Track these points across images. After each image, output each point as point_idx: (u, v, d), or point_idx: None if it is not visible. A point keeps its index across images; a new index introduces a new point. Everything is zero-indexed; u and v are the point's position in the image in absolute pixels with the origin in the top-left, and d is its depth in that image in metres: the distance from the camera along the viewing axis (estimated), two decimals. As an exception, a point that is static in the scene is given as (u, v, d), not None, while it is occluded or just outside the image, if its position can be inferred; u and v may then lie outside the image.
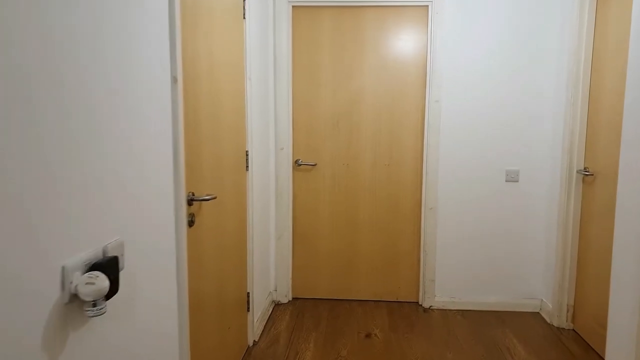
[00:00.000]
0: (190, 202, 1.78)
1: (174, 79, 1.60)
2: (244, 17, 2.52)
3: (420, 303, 3.37)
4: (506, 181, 3.16)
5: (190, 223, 1.80)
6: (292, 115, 3.32)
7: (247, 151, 2.63)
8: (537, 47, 3.06)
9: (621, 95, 2.46)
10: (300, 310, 3.27)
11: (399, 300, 3.41)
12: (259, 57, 2.92)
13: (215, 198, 1.92)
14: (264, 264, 3.20)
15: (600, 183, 2.67)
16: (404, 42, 3.17)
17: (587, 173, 2.78)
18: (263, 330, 2.97)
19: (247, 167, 2.64)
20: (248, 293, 2.68)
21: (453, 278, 3.29)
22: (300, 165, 3.36)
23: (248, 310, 2.69)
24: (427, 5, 3.13)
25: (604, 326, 2.62)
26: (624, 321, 1.80)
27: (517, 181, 3.15)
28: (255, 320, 2.85)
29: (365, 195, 3.33)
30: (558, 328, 3.01)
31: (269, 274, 3.37)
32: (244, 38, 2.53)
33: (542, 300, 3.23)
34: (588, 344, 2.79)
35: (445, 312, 3.25)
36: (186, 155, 1.74)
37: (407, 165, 3.27)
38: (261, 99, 2.99)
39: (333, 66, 3.24)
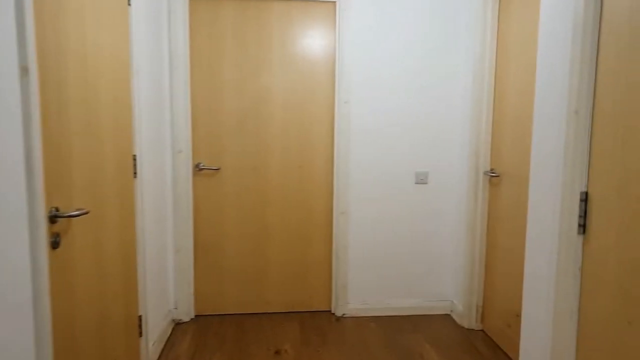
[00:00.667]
0: (53, 219, 1.46)
1: (24, 69, 1.28)
2: (129, 4, 2.20)
3: (332, 312, 3.22)
4: (416, 183, 3.11)
5: (55, 245, 1.47)
6: (192, 115, 3.02)
7: (134, 155, 2.31)
8: (447, 49, 3.04)
9: (523, 98, 2.48)
10: (204, 329, 2.98)
11: (311, 310, 3.24)
12: (151, 50, 2.59)
13: (87, 213, 1.60)
14: (161, 281, 2.87)
15: (506, 183, 2.68)
16: (312, 39, 3.01)
17: (493, 174, 2.79)
18: (160, 355, 2.64)
19: (135, 173, 2.32)
20: (140, 316, 2.35)
21: (365, 283, 3.18)
22: (202, 169, 3.07)
23: (140, 334, 2.37)
24: (335, 2, 2.99)
25: (510, 326, 2.63)
26: (539, 317, 1.76)
27: (426, 183, 3.12)
28: (151, 344, 2.53)
29: (275, 201, 3.12)
30: (468, 329, 3.01)
31: (167, 292, 3.04)
32: (129, 27, 2.21)
33: (452, 301, 3.22)
34: (496, 344, 2.80)
35: (358, 320, 3.14)
36: (46, 163, 1.42)
37: (319, 168, 3.11)
38: (154, 97, 2.67)
39: (237, 63, 2.99)
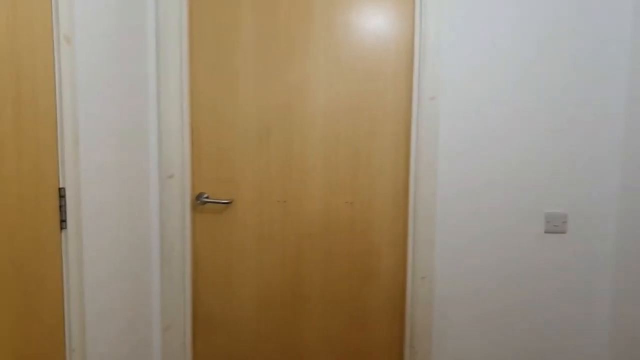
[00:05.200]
0: None
1: None
2: None
3: None
4: (546, 232, 1.90)
5: None
6: (191, 123, 1.97)
7: (61, 189, 1.26)
8: (603, 34, 1.84)
9: None
10: None
11: None
12: (110, 14, 1.56)
13: None
14: (131, 385, 1.79)
15: None
16: (374, 8, 1.89)
17: None
18: None
19: (62, 222, 1.27)
20: None
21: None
22: (205, 203, 2.01)
23: None
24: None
25: None
26: None
27: (563, 232, 1.90)
28: None
29: (313, 255, 2.00)
30: None
31: (148, 394, 1.96)
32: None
33: None
34: None
35: None
36: None
37: (382, 204, 1.97)
38: (119, 88, 1.62)
39: (259, 45, 1.92)
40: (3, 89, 1.07)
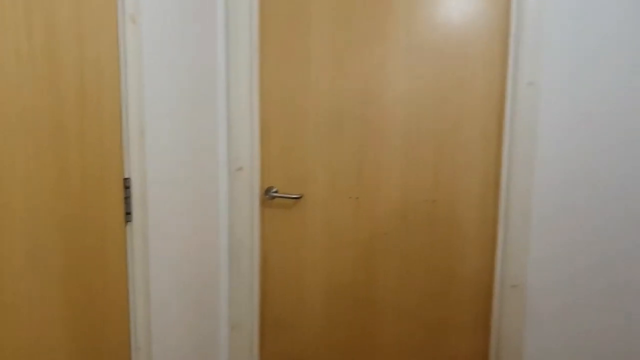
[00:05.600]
0: None
1: None
2: None
3: None
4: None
5: None
6: (260, 114, 1.87)
7: (126, 179, 1.19)
8: None
9: None
10: None
11: None
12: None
13: None
14: (197, 385, 1.73)
15: None
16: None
17: None
18: None
19: (127, 214, 1.20)
20: None
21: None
22: (275, 197, 1.91)
23: None
24: None
25: None
26: None
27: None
28: None
29: (389, 256, 1.84)
30: None
31: (214, 395, 1.89)
32: None
33: None
34: None
35: None
36: None
37: (468, 203, 1.76)
38: (186, 75, 1.55)
39: (333, 29, 1.78)
40: (67, 74, 1.01)
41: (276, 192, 1.91)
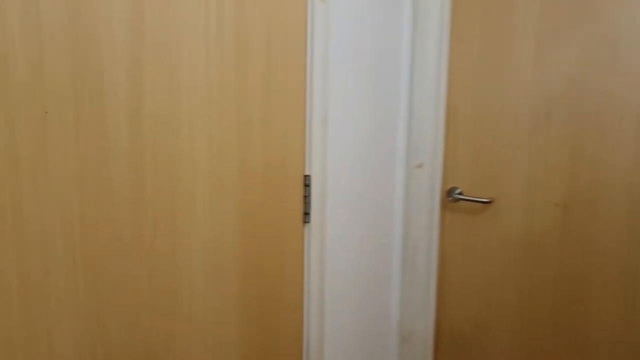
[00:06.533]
0: None
1: None
2: None
3: None
4: None
5: None
6: (447, 100, 1.63)
7: (306, 176, 1.07)
8: None
9: None
10: None
11: None
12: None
13: None
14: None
15: None
16: None
17: None
18: None
19: (305, 214, 1.08)
20: None
21: None
22: (458, 200, 1.66)
23: None
24: None
25: None
26: None
27: None
28: None
29: (607, 281, 1.47)
30: None
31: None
32: None
33: None
34: None
35: None
36: None
37: None
38: (368, 60, 1.38)
39: (542, 2, 1.46)
40: (255, 57, 0.90)
41: (460, 193, 1.66)
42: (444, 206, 1.69)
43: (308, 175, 1.09)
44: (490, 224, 1.62)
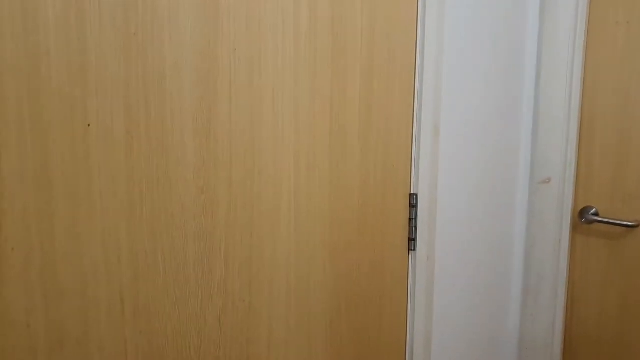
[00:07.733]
0: None
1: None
2: None
3: None
4: None
5: None
6: (581, 109, 1.37)
7: (412, 195, 0.90)
8: None
9: None
10: None
11: None
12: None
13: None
14: None
15: None
16: None
17: None
18: None
19: (410, 240, 0.91)
20: None
21: None
22: (594, 222, 1.38)
23: None
24: None
25: None
26: None
27: None
28: None
29: None
30: None
31: None
32: None
33: None
34: None
35: None
36: None
37: None
38: (486, 60, 1.17)
39: None
40: (353, 56, 0.76)
41: (596, 214, 1.38)
42: (575, 229, 1.42)
43: (414, 194, 0.92)
44: (635, 252, 1.33)
